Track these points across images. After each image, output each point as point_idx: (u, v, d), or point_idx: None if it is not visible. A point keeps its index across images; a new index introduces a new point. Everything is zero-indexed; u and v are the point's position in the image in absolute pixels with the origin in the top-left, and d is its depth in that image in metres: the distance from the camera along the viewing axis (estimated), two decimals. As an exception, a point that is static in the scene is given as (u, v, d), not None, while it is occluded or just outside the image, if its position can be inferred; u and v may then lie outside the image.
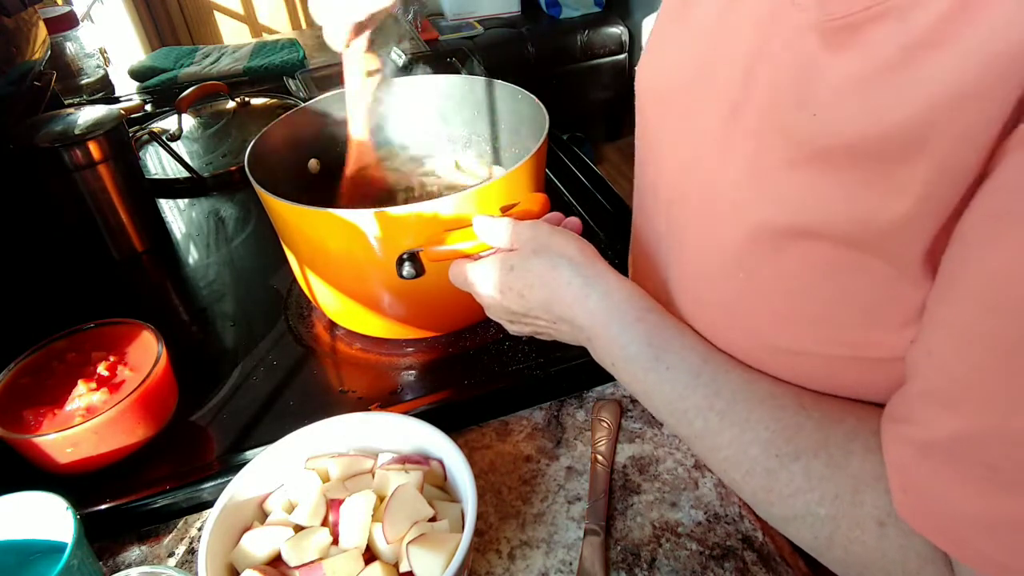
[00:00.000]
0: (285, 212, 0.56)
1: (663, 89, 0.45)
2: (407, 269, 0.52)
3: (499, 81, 0.71)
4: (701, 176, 0.40)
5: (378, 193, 0.72)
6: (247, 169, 0.59)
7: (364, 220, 0.52)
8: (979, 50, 0.25)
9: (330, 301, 0.63)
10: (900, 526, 0.33)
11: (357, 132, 0.66)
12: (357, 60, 0.63)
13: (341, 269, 0.59)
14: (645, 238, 0.50)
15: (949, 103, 0.26)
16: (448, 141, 0.78)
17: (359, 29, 0.60)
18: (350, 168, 0.68)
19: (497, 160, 0.77)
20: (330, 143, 0.74)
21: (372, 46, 0.63)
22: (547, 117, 0.62)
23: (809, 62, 0.32)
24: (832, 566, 0.36)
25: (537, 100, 0.65)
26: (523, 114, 0.69)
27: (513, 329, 0.50)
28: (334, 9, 0.58)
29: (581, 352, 0.46)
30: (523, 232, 0.46)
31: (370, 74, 0.64)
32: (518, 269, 0.45)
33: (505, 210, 0.51)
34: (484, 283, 0.47)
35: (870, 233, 0.31)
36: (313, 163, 0.74)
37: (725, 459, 0.38)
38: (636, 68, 0.49)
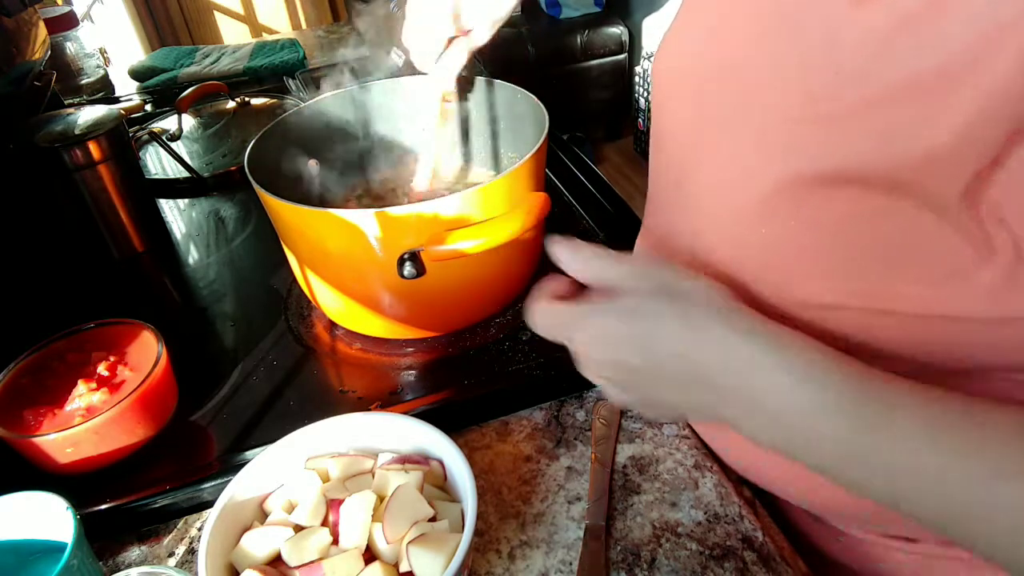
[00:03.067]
0: (285, 212, 0.56)
1: (675, 70, 0.44)
2: (408, 269, 0.51)
3: (499, 81, 0.71)
4: (713, 145, 0.39)
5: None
6: (247, 169, 0.59)
7: (364, 220, 0.52)
8: None
9: (330, 301, 0.63)
10: None
11: (427, 159, 0.67)
12: (439, 85, 0.63)
13: (341, 269, 0.59)
14: (656, 226, 0.49)
15: (988, 39, 0.26)
16: (448, 141, 0.78)
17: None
18: (420, 182, 0.69)
19: (497, 160, 0.77)
20: (330, 143, 0.74)
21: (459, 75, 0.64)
22: (547, 117, 0.62)
23: (833, 18, 0.32)
24: None
25: (537, 100, 0.65)
26: (523, 114, 0.69)
27: (614, 392, 0.40)
28: (425, 28, 0.58)
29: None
30: (640, 268, 0.38)
31: (446, 100, 0.65)
32: (643, 314, 0.36)
33: None
34: (592, 330, 0.38)
35: (904, 171, 0.29)
36: (312, 164, 0.74)
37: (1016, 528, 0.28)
38: (653, 58, 0.48)
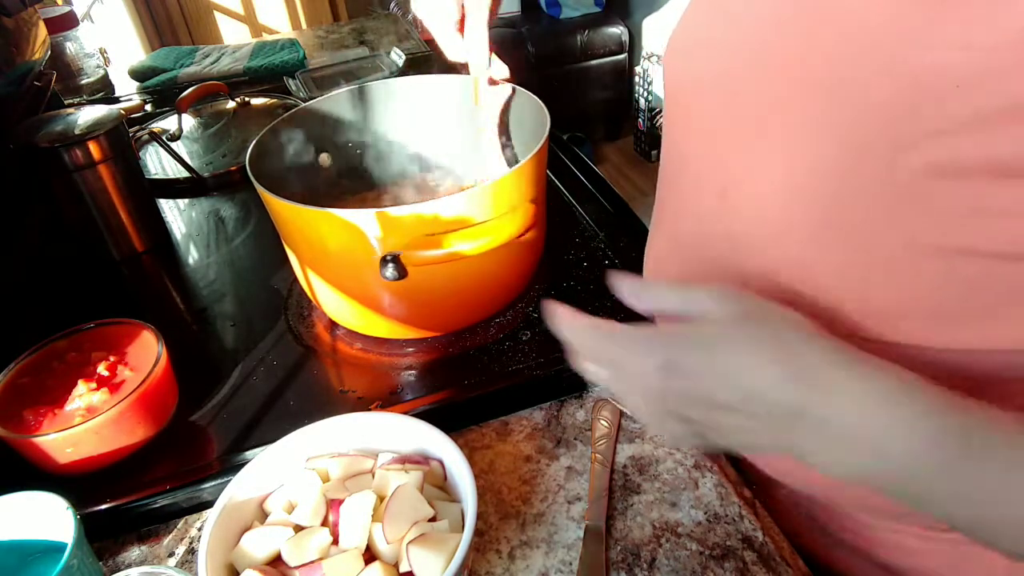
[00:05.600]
0: (286, 212, 0.56)
1: (699, 70, 0.42)
2: (390, 271, 0.52)
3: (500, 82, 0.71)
4: (766, 162, 0.37)
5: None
6: (248, 169, 0.59)
7: (365, 220, 0.52)
8: None
9: (331, 301, 0.63)
10: None
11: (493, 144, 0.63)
12: (477, 72, 0.60)
13: (342, 269, 0.59)
14: (687, 240, 0.46)
15: None
16: (448, 141, 0.78)
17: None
18: None
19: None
20: (331, 143, 0.74)
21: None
22: (548, 117, 0.62)
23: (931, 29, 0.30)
24: None
25: (538, 100, 0.65)
26: (524, 114, 0.69)
27: (675, 432, 0.35)
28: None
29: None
30: (717, 292, 0.34)
31: (492, 82, 0.61)
32: (723, 346, 0.32)
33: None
34: (659, 357, 0.33)
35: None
36: (324, 157, 0.74)
37: None
38: (664, 57, 0.46)
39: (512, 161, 0.67)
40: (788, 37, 0.36)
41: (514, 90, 0.64)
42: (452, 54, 0.56)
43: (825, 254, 0.36)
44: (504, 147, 0.65)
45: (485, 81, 0.60)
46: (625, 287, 0.37)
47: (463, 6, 0.54)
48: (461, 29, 0.55)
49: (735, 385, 0.32)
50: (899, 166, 0.31)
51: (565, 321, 0.36)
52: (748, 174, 0.39)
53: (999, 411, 0.30)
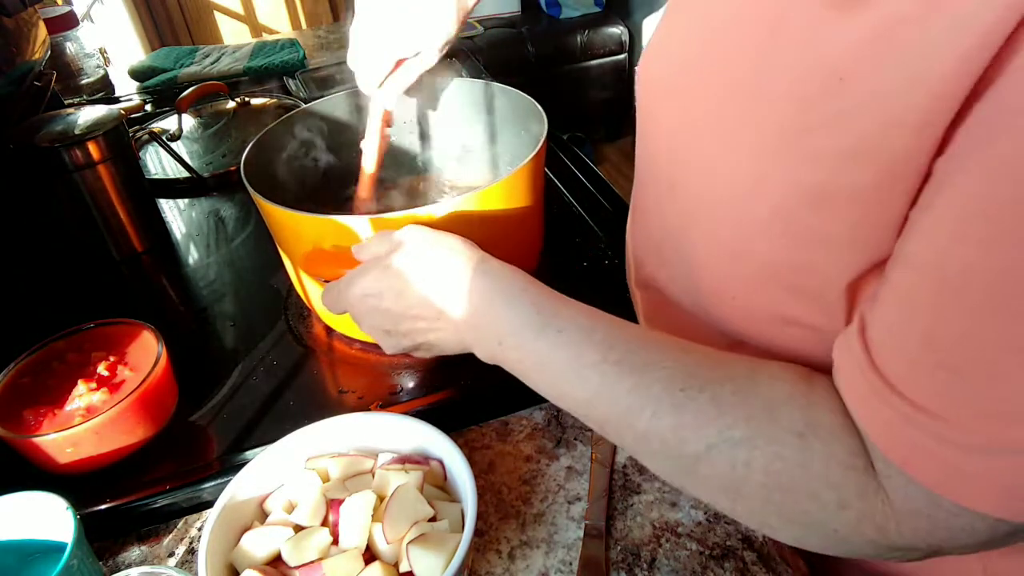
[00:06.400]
0: (281, 217, 0.56)
1: (662, 76, 0.45)
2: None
3: (497, 84, 0.71)
4: (705, 156, 0.40)
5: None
6: (243, 173, 0.59)
7: (360, 226, 0.52)
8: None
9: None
10: (819, 434, 0.33)
11: (368, 166, 0.66)
12: (382, 105, 0.63)
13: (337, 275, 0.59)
14: (648, 233, 0.50)
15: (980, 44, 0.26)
16: (446, 144, 0.78)
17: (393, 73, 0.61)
18: (362, 191, 0.68)
19: (496, 163, 0.77)
20: (328, 146, 0.74)
21: (405, 95, 0.64)
22: (545, 120, 0.62)
23: (815, 24, 0.32)
24: (753, 500, 0.35)
25: (536, 103, 0.65)
26: (522, 117, 0.69)
27: (388, 344, 0.49)
28: (371, 53, 0.58)
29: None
30: (409, 231, 0.47)
31: (388, 125, 0.65)
32: (399, 265, 0.45)
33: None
34: (358, 289, 0.47)
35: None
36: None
37: (628, 409, 0.37)
38: (638, 63, 0.49)
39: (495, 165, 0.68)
40: (720, 42, 0.39)
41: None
42: (368, 92, 0.62)
43: (750, 229, 0.39)
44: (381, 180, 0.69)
45: (383, 124, 0.64)
46: (353, 248, 0.49)
47: (398, 63, 0.59)
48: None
49: (400, 300, 0.45)
50: (800, 151, 0.34)
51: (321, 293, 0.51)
52: (692, 167, 0.42)
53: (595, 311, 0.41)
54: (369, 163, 0.66)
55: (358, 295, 0.47)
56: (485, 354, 0.45)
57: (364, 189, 0.67)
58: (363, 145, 0.66)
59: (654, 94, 0.46)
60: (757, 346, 0.42)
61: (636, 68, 0.49)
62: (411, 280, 0.45)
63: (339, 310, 0.51)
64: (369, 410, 0.57)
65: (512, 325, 0.42)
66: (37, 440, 0.50)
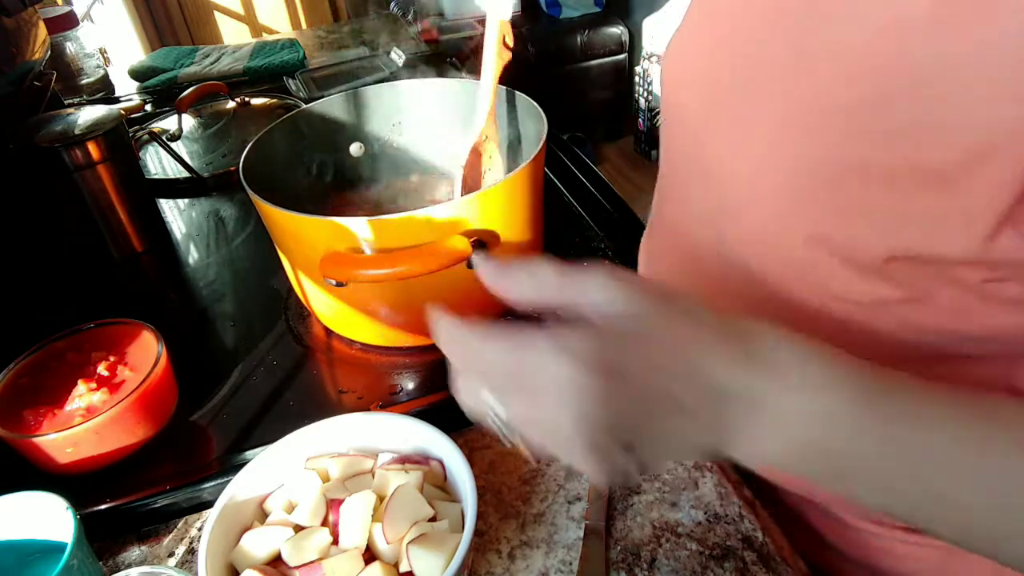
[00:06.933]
0: (280, 219, 0.56)
1: (691, 63, 0.44)
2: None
3: (498, 85, 0.71)
4: (734, 132, 0.40)
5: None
6: (242, 175, 0.59)
7: (358, 227, 0.52)
8: None
9: (325, 308, 0.62)
10: None
11: (486, 90, 0.63)
12: (497, 16, 0.61)
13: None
14: (671, 219, 0.49)
15: None
16: (446, 145, 0.78)
17: None
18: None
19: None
20: (327, 147, 0.74)
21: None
22: (545, 122, 0.62)
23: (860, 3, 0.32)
24: None
25: (536, 104, 0.65)
26: (521, 118, 0.69)
27: (599, 461, 0.27)
28: None
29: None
30: (617, 287, 0.29)
31: (506, 44, 0.62)
32: (658, 331, 0.27)
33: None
34: (579, 364, 0.26)
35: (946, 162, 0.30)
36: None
37: None
38: (662, 56, 0.48)
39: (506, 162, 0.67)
40: (777, 37, 0.37)
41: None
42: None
43: (790, 225, 0.38)
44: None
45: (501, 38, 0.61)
46: (489, 268, 0.30)
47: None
48: None
49: (675, 373, 0.27)
50: (848, 157, 0.33)
51: (444, 332, 0.29)
52: (729, 158, 0.41)
53: (942, 384, 0.29)
54: (486, 88, 0.62)
55: (585, 370, 0.26)
56: (777, 446, 0.28)
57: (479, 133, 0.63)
58: (483, 66, 0.62)
59: (682, 83, 0.45)
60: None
61: (662, 57, 0.47)
62: (661, 353, 0.27)
63: (486, 378, 0.29)
64: (369, 410, 0.57)
65: (839, 410, 0.28)
66: (37, 440, 0.50)
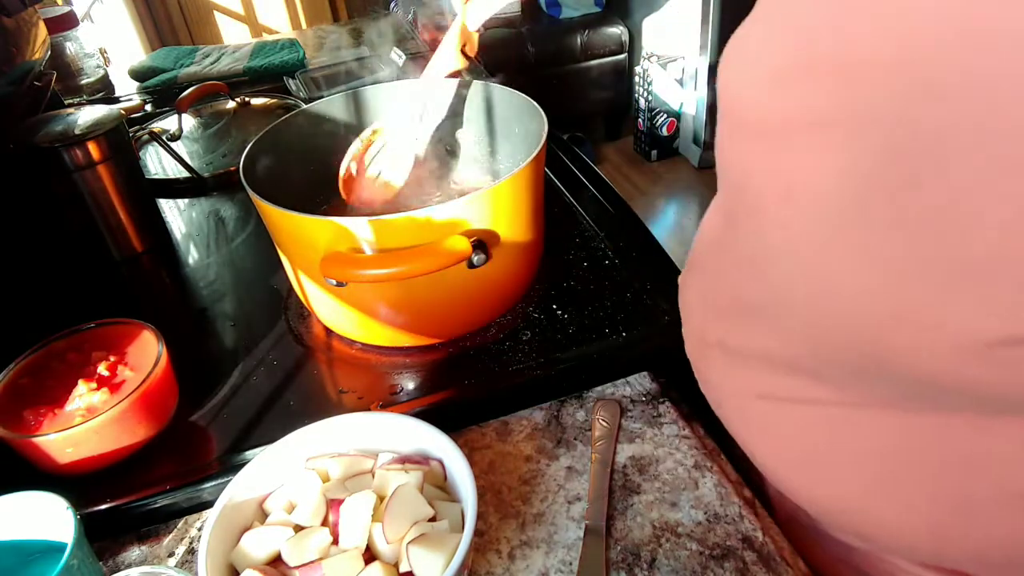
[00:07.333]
0: (280, 219, 0.56)
1: (759, 83, 0.36)
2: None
3: (497, 85, 0.71)
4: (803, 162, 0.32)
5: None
6: (242, 175, 0.59)
7: (359, 227, 0.52)
8: None
9: (325, 308, 0.62)
10: None
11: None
12: (462, 22, 0.61)
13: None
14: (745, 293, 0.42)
15: None
16: (446, 145, 0.78)
17: None
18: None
19: (495, 164, 0.77)
20: (327, 147, 0.74)
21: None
22: (546, 121, 0.62)
23: None
24: None
25: (536, 104, 0.65)
26: (521, 118, 0.69)
27: None
28: None
29: (581, 352, 0.45)
30: None
31: (464, 51, 0.62)
32: None
33: None
34: None
35: None
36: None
37: None
38: (720, 66, 0.40)
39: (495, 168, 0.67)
40: (851, 44, 0.30)
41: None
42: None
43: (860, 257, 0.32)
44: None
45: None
46: None
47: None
48: None
49: None
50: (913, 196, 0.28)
51: None
52: (794, 176, 0.34)
53: None
54: (428, 86, 0.61)
55: None
56: None
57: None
58: (430, 64, 0.61)
59: (743, 95, 0.38)
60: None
61: (719, 70, 0.40)
62: None
63: None
64: (369, 410, 0.57)
65: None
66: (37, 440, 0.50)
